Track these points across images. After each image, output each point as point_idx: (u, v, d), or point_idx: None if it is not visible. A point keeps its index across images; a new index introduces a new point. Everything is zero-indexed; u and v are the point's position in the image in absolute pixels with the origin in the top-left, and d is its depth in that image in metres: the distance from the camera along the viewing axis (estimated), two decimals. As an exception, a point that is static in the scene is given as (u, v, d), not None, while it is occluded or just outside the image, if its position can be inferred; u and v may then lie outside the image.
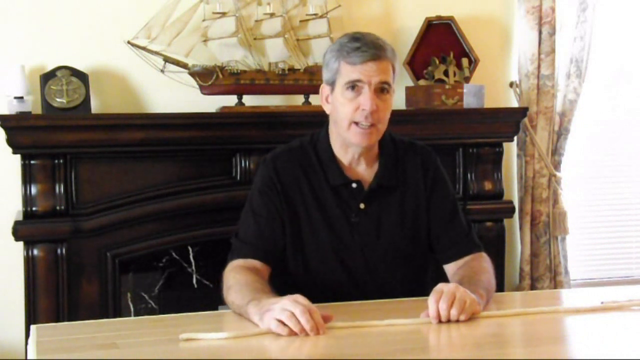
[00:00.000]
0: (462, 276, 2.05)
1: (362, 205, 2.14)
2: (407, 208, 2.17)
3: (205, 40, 3.05)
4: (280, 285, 2.23)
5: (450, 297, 1.77)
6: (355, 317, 1.80)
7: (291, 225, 2.13)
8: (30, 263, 2.87)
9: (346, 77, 2.06)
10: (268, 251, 2.10)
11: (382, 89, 2.06)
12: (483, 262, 2.15)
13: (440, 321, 1.76)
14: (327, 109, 2.16)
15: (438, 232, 2.20)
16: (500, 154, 3.32)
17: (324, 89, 2.15)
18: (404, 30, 3.40)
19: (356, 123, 2.06)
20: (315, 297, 2.08)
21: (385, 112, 2.09)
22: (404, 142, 2.24)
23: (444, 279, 2.14)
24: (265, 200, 2.13)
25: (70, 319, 2.85)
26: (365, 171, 2.16)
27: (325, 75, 2.13)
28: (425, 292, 2.17)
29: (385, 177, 2.16)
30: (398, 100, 3.33)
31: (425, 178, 2.20)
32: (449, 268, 2.19)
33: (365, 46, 2.04)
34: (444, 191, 2.22)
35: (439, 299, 1.77)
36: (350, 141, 2.10)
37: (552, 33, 3.48)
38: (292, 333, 1.68)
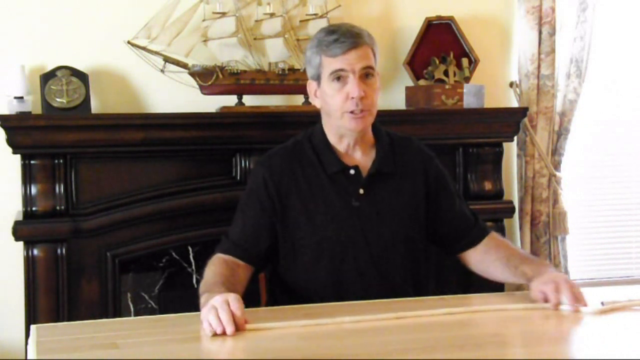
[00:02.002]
0: (506, 258, 2.14)
1: (361, 191, 2.17)
2: (406, 194, 2.21)
3: (205, 40, 3.05)
4: (279, 285, 2.24)
5: (569, 286, 1.91)
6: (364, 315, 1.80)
7: (285, 223, 2.15)
8: (30, 263, 2.87)
9: (330, 69, 2.11)
10: (248, 250, 2.13)
11: (366, 74, 2.11)
12: (501, 238, 2.26)
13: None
14: (317, 103, 2.22)
15: (449, 227, 2.25)
16: (500, 154, 3.32)
17: (311, 85, 2.20)
18: (404, 30, 3.40)
19: (349, 111, 2.11)
20: (313, 293, 2.10)
21: (374, 96, 2.14)
22: (399, 136, 2.29)
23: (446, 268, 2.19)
24: (254, 200, 2.17)
25: (70, 319, 2.85)
26: (361, 158, 2.20)
27: (310, 71, 2.19)
28: (423, 279, 2.23)
29: (384, 163, 2.19)
30: (398, 101, 3.34)
31: (426, 175, 2.24)
32: (468, 255, 2.25)
33: (343, 37, 2.09)
34: (447, 188, 2.27)
35: (555, 289, 1.89)
36: (345, 128, 2.15)
37: (552, 33, 3.48)
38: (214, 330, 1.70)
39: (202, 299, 1.84)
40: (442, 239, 2.28)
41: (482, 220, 2.31)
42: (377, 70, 2.17)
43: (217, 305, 1.72)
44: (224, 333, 1.69)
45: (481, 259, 2.22)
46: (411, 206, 2.21)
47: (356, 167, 2.18)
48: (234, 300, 1.74)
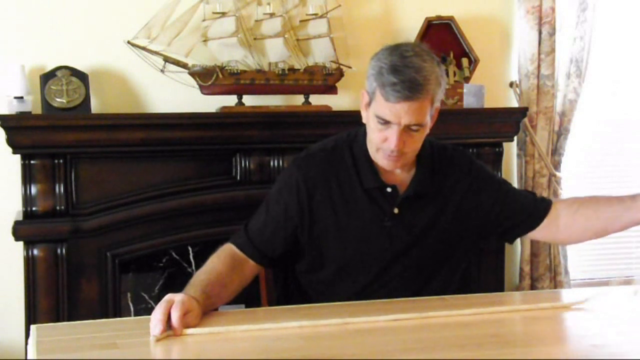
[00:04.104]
0: (606, 202, 2.07)
1: (395, 210, 2.08)
2: (443, 217, 2.11)
3: (205, 40, 3.05)
4: (297, 286, 2.22)
5: None
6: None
7: (312, 231, 2.08)
8: (30, 263, 2.87)
9: (377, 110, 1.98)
10: (261, 252, 2.07)
11: (412, 128, 1.98)
12: (569, 199, 2.17)
13: None
14: (364, 116, 2.08)
15: (510, 215, 2.14)
16: (500, 154, 3.32)
17: (364, 96, 2.05)
18: (404, 30, 3.40)
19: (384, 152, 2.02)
20: (332, 301, 2.05)
21: (415, 144, 2.03)
22: (440, 147, 2.19)
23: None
24: (280, 202, 2.10)
25: (70, 319, 2.86)
26: (401, 175, 2.10)
27: (367, 84, 2.04)
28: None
29: (423, 184, 2.09)
30: (398, 100, 3.34)
31: (466, 182, 2.14)
32: (541, 231, 2.15)
33: (402, 84, 1.92)
34: (490, 181, 2.17)
35: None
36: (378, 162, 2.07)
37: (552, 33, 3.48)
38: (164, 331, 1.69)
39: None
40: (514, 227, 2.16)
41: (540, 196, 2.22)
42: (437, 106, 2.03)
43: (158, 305, 1.71)
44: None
45: (571, 221, 2.11)
46: (449, 226, 2.11)
47: (394, 186, 2.08)
48: (178, 303, 1.71)
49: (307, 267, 2.15)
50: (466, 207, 2.13)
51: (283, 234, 2.09)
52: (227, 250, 2.06)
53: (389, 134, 1.98)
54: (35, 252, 2.87)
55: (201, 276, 1.94)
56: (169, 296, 1.74)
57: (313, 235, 2.09)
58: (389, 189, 2.08)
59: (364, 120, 2.08)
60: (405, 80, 1.92)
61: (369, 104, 2.02)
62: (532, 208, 2.16)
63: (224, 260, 2.02)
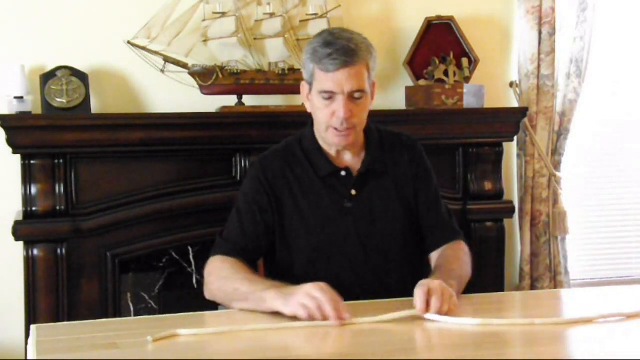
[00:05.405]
0: (435, 266, 2.13)
1: (353, 192, 2.17)
2: (398, 192, 2.20)
3: (205, 40, 3.05)
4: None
5: (435, 292, 1.81)
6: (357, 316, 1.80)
7: (280, 224, 2.16)
8: (30, 263, 2.87)
9: (320, 86, 2.09)
10: (249, 251, 2.13)
11: (355, 96, 2.08)
12: (458, 250, 2.20)
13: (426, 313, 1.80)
14: (307, 106, 2.20)
15: (421, 221, 2.23)
16: (500, 154, 3.32)
17: (304, 87, 2.19)
18: (404, 30, 3.40)
19: (334, 127, 2.11)
20: None
21: (361, 114, 2.12)
22: (389, 132, 2.29)
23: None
24: (250, 201, 2.17)
25: (70, 319, 2.85)
26: (352, 159, 2.20)
27: (304, 74, 2.17)
28: (421, 278, 2.18)
29: (374, 162, 2.19)
30: (398, 101, 3.34)
31: (411, 166, 2.23)
32: (432, 257, 2.22)
33: (337, 53, 2.04)
34: (427, 180, 2.26)
35: (424, 293, 1.80)
36: (329, 142, 2.16)
37: (552, 33, 3.48)
38: (311, 317, 1.74)
39: (273, 293, 1.85)
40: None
41: (455, 225, 2.27)
42: (374, 80, 2.14)
43: (318, 295, 1.76)
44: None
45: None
46: (404, 203, 2.20)
47: (347, 169, 2.18)
48: (332, 291, 1.78)
49: (279, 268, 2.19)
50: (410, 192, 2.21)
51: (263, 230, 2.15)
52: (224, 261, 2.09)
53: (335, 106, 2.08)
54: (35, 252, 2.87)
55: (248, 278, 1.98)
56: (320, 287, 1.79)
57: (284, 230, 2.16)
58: (343, 173, 2.18)
59: (308, 110, 2.20)
60: (339, 48, 2.05)
61: (310, 91, 2.15)
62: (434, 231, 2.22)
63: (239, 266, 2.05)
